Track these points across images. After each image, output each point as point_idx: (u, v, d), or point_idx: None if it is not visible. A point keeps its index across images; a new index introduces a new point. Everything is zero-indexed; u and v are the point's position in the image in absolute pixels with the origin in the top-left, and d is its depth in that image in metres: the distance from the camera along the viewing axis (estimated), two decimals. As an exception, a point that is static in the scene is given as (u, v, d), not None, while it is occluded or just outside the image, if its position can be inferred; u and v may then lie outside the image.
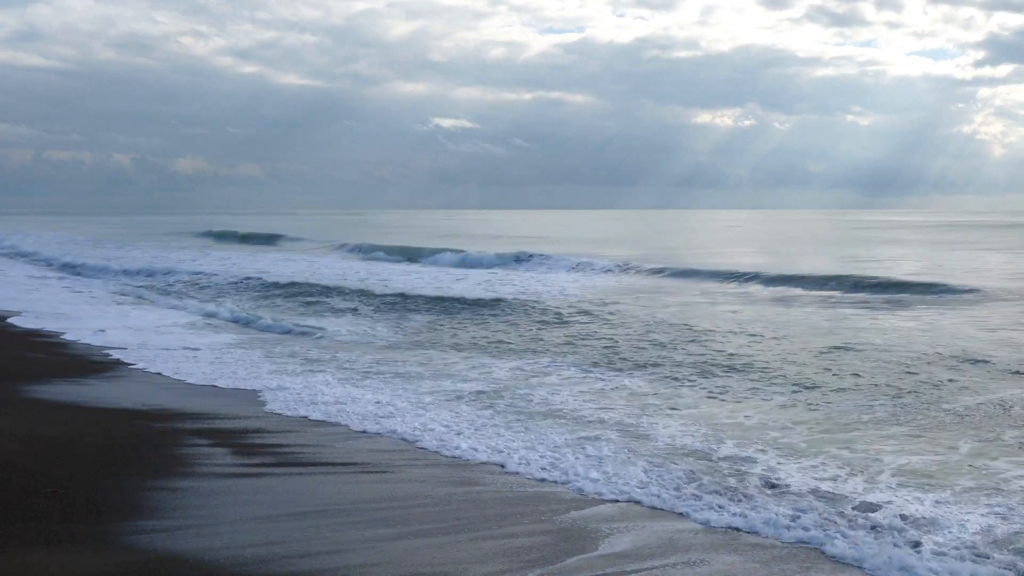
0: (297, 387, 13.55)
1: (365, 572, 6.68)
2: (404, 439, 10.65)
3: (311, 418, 11.68)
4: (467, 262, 41.81)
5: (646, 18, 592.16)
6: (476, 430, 11.01)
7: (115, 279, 33.93)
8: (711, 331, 19.09)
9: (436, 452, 10.14)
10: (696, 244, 59.87)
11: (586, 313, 22.45)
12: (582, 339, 18.26)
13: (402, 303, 25.22)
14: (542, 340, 18.35)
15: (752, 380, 13.90)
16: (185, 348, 17.07)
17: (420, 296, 26.51)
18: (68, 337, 18.01)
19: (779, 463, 9.47)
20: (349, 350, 17.20)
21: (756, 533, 7.61)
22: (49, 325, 19.76)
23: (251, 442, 10.31)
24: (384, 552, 7.09)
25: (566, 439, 10.53)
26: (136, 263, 40.36)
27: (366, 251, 51.16)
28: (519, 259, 41.06)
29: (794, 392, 13.00)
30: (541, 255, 41.84)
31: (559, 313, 22.59)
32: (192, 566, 6.68)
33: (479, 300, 25.47)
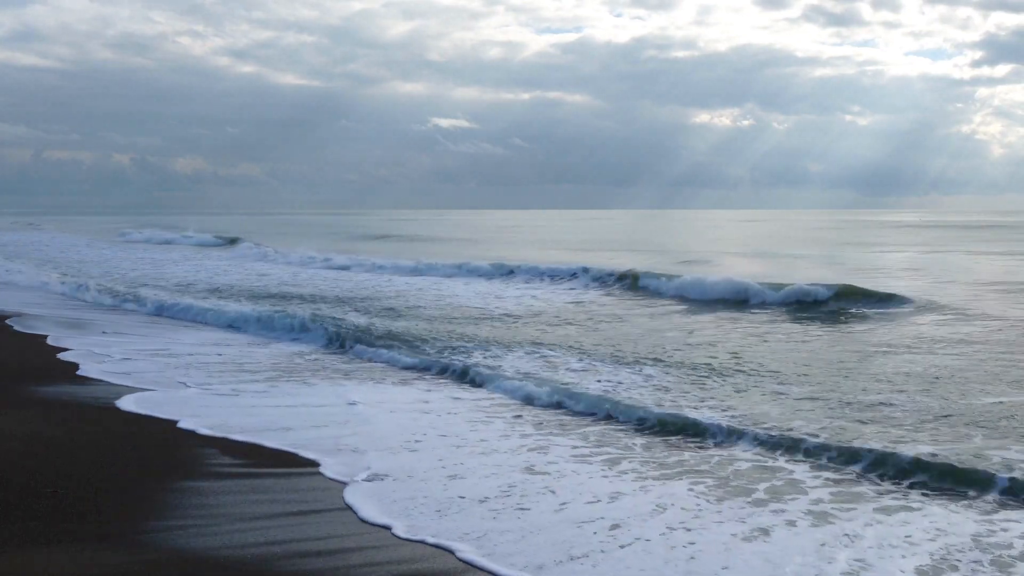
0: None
1: (367, 572, 6.69)
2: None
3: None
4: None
5: (643, 18, 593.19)
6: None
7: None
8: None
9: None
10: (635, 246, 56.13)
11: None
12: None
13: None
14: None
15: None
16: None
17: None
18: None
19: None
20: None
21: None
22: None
23: (251, 442, 10.31)
24: (387, 551, 7.09)
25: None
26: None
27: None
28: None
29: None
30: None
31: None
32: (193, 565, 6.67)
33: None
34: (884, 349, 16.33)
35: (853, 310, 21.87)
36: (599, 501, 8.24)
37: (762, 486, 8.65)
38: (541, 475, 9.06)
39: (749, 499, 8.31)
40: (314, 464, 9.41)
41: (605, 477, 9.05)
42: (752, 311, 22.43)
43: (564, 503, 8.17)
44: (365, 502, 8.17)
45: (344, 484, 8.72)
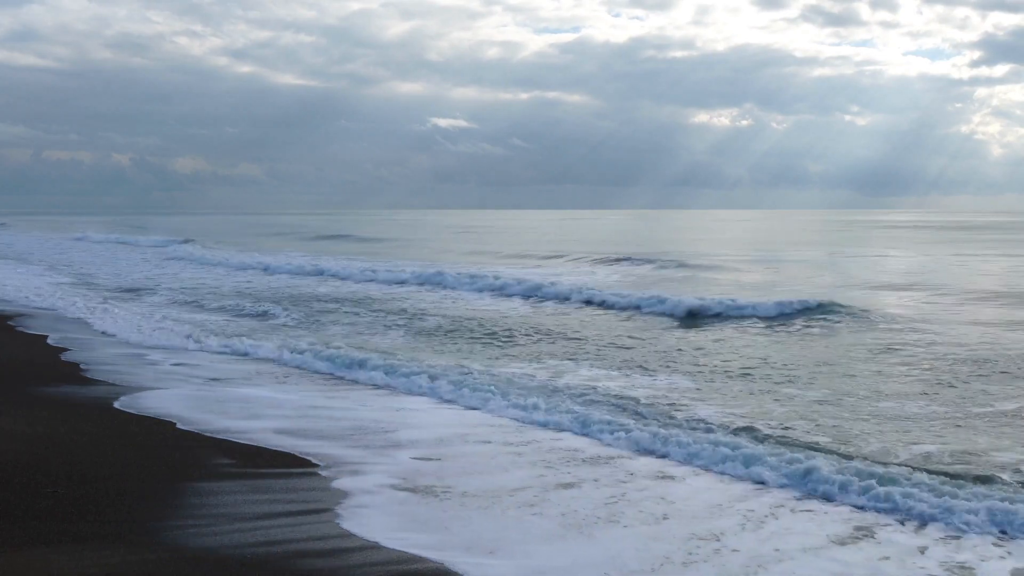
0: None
1: (367, 572, 6.71)
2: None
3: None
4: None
5: (641, 18, 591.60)
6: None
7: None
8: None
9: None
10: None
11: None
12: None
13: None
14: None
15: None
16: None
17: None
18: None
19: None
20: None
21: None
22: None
23: (251, 442, 10.33)
24: (385, 552, 7.11)
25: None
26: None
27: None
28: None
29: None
30: None
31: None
32: (193, 564, 6.69)
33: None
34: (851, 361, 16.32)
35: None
36: (716, 506, 8.18)
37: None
38: (664, 480, 8.97)
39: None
40: (313, 465, 9.44)
41: (720, 481, 8.96)
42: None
43: (667, 515, 7.99)
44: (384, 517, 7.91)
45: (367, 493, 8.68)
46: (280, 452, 9.90)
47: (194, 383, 13.76)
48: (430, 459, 9.71)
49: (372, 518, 7.83)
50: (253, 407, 12.13)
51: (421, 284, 30.01)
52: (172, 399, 12.47)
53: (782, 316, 20.26)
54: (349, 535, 7.43)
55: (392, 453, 9.93)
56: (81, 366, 14.85)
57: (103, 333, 18.54)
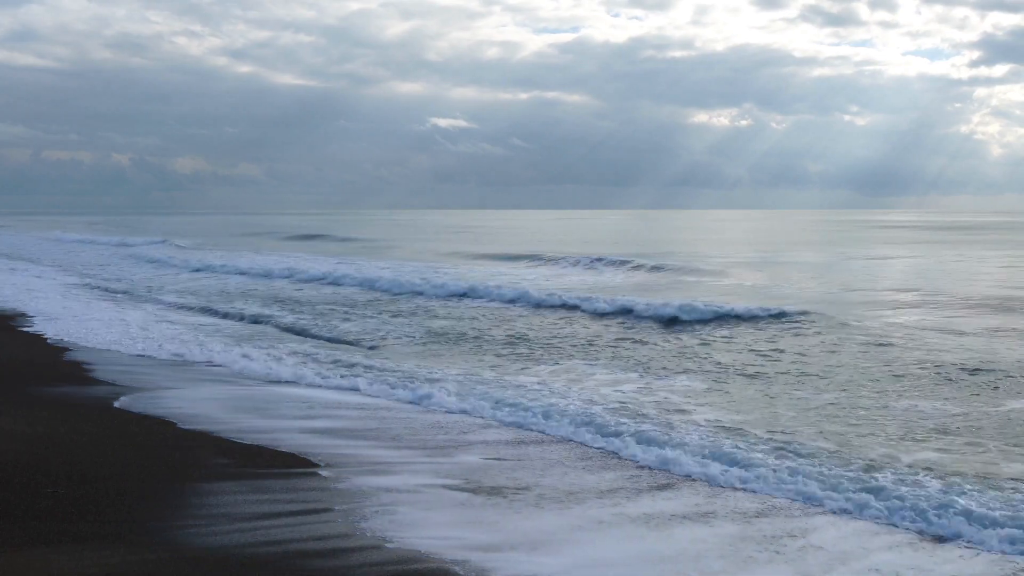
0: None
1: (365, 572, 6.71)
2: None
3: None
4: None
5: (640, 18, 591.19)
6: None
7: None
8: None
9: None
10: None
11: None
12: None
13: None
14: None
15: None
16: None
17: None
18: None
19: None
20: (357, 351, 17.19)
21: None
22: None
23: (251, 442, 10.33)
24: (386, 552, 7.11)
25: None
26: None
27: None
28: None
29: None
30: None
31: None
32: (193, 564, 6.69)
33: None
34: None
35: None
36: (809, 502, 8.25)
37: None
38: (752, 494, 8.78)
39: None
40: (313, 465, 9.44)
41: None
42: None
43: (761, 513, 8.06)
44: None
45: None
46: (281, 452, 9.90)
47: (244, 385, 13.80)
48: (502, 460, 9.75)
49: (398, 518, 7.83)
50: (313, 408, 12.19)
51: (397, 293, 28.09)
52: (205, 399, 12.50)
53: (781, 319, 20.00)
54: (350, 535, 7.43)
55: (454, 453, 10.01)
56: (84, 365, 14.86)
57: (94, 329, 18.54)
